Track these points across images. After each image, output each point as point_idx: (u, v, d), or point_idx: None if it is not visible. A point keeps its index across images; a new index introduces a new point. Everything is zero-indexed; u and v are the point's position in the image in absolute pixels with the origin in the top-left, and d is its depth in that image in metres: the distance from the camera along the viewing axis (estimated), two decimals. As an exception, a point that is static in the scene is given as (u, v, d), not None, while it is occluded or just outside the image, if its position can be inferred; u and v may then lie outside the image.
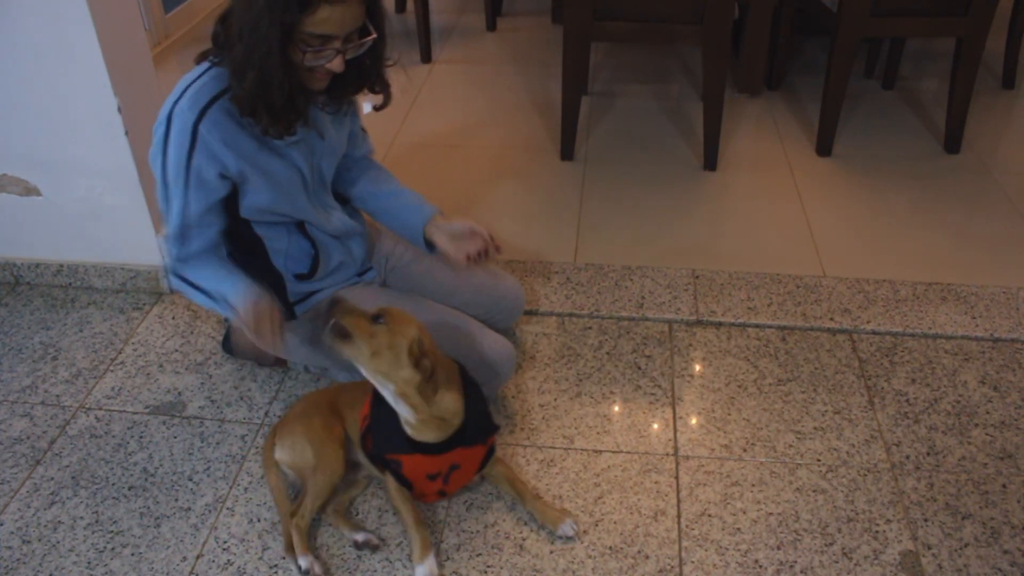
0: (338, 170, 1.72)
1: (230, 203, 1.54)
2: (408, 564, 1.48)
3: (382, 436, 1.48)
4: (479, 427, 1.49)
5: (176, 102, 1.42)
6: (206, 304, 1.55)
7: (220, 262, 1.56)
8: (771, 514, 1.56)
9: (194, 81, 1.43)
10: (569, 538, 1.50)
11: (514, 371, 1.76)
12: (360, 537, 1.49)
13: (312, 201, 1.62)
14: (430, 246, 1.70)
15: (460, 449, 1.47)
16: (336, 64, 1.39)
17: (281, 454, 1.55)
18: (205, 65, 1.45)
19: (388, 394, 1.41)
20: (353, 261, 1.74)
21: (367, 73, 1.51)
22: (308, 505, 1.49)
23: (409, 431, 1.44)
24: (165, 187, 1.47)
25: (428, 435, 1.44)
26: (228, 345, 1.93)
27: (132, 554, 1.50)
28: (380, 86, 1.55)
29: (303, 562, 1.44)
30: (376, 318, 1.40)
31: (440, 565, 1.47)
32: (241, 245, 1.61)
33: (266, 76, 1.36)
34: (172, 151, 1.43)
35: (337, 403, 1.60)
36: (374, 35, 1.42)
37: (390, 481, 1.50)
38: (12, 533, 1.54)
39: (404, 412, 1.42)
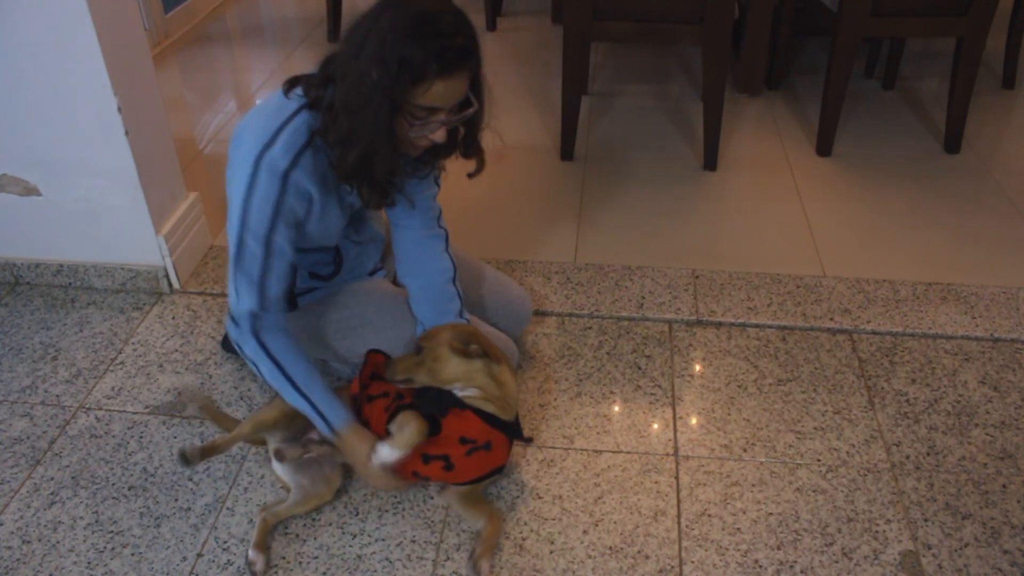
0: (401, 224, 1.66)
1: None
2: (408, 564, 1.48)
3: (429, 398, 1.48)
4: (517, 427, 1.54)
5: (267, 147, 1.36)
6: (284, 390, 1.48)
7: (300, 350, 1.50)
8: (771, 514, 1.56)
9: (286, 123, 1.37)
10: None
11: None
12: (252, 555, 1.46)
13: (349, 227, 1.64)
14: None
15: (500, 433, 1.49)
16: (439, 135, 1.37)
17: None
18: (295, 103, 1.39)
19: (467, 393, 1.48)
20: (368, 261, 1.75)
21: (462, 140, 1.48)
22: (237, 431, 1.57)
23: (470, 402, 1.47)
24: (242, 231, 1.40)
25: (488, 408, 1.48)
26: (228, 344, 1.93)
27: (132, 554, 1.50)
28: (473, 152, 1.52)
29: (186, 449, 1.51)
30: (417, 351, 1.48)
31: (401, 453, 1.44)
32: None
33: (372, 151, 1.33)
34: (258, 198, 1.38)
35: None
36: (476, 107, 1.39)
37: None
38: (12, 533, 1.54)
39: (478, 403, 1.47)
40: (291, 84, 1.41)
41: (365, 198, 1.43)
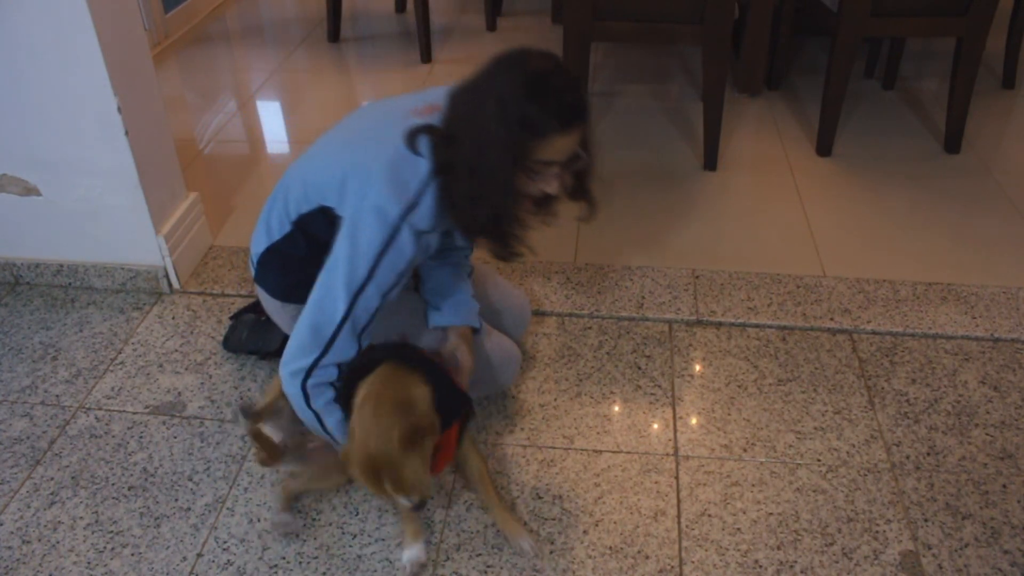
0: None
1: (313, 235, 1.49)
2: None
3: None
4: (451, 408, 1.44)
5: (411, 209, 1.36)
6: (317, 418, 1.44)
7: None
8: (771, 514, 1.56)
9: (427, 184, 1.37)
10: (524, 552, 1.48)
11: (517, 374, 1.75)
12: (281, 517, 1.51)
13: None
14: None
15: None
16: (553, 187, 1.40)
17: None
18: (425, 162, 1.38)
19: None
20: None
21: (573, 188, 1.51)
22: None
23: None
24: (367, 281, 1.37)
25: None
26: (229, 343, 1.93)
27: (132, 554, 1.50)
28: (584, 196, 1.54)
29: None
30: (372, 474, 1.33)
31: (427, 553, 1.49)
32: (297, 253, 1.56)
33: (501, 209, 1.37)
34: (395, 255, 1.37)
35: None
36: (585, 159, 1.42)
37: None
38: (12, 533, 1.54)
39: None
40: (415, 134, 1.39)
41: (494, 252, 1.47)
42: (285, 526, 1.53)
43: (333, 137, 1.53)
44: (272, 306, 1.67)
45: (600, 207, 1.56)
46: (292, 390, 1.41)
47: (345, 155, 1.45)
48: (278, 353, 1.87)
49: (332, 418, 1.42)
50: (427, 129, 1.39)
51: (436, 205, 1.38)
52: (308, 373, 1.39)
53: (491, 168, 1.32)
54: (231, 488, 1.62)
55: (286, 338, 1.84)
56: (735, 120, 2.98)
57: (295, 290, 1.61)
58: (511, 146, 1.30)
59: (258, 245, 1.60)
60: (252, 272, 1.65)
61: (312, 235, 1.50)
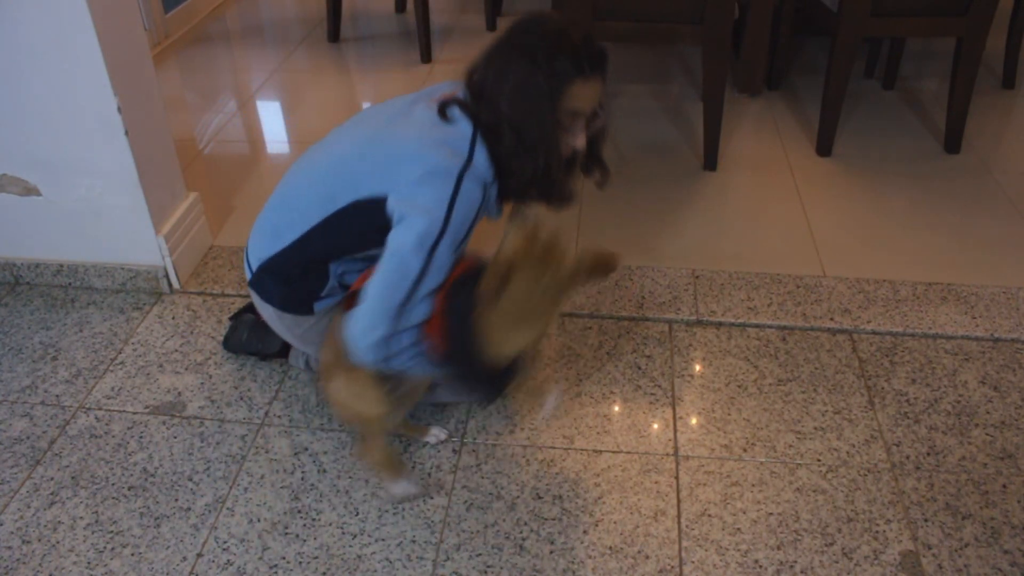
0: None
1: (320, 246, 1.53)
2: (408, 564, 1.48)
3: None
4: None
5: (468, 163, 1.40)
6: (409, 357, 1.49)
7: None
8: (771, 514, 1.56)
9: (475, 142, 1.42)
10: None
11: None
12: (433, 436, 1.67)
13: None
14: None
15: None
16: (580, 141, 1.45)
17: None
18: (464, 123, 1.43)
19: None
20: None
21: (586, 155, 1.56)
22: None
23: None
24: (439, 240, 1.38)
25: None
26: (229, 344, 1.93)
27: (132, 554, 1.50)
28: (595, 166, 1.59)
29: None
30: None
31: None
32: (304, 267, 1.58)
33: (549, 157, 1.42)
34: (463, 205, 1.40)
35: None
36: (603, 116, 1.46)
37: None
38: (12, 533, 1.54)
39: None
40: (445, 106, 1.44)
41: (549, 202, 1.51)
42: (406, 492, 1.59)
43: (355, 136, 1.53)
44: (267, 312, 1.67)
45: (611, 177, 1.62)
46: (370, 360, 1.45)
47: (377, 144, 1.46)
48: (278, 355, 1.88)
49: (417, 371, 1.48)
50: (455, 101, 1.44)
51: (488, 159, 1.42)
52: (384, 345, 1.43)
53: (533, 118, 1.37)
54: (231, 488, 1.62)
55: (286, 342, 1.84)
56: (735, 120, 2.98)
57: (293, 301, 1.60)
58: (547, 93, 1.35)
59: (261, 251, 1.58)
60: (248, 275, 1.64)
61: (330, 241, 1.51)
